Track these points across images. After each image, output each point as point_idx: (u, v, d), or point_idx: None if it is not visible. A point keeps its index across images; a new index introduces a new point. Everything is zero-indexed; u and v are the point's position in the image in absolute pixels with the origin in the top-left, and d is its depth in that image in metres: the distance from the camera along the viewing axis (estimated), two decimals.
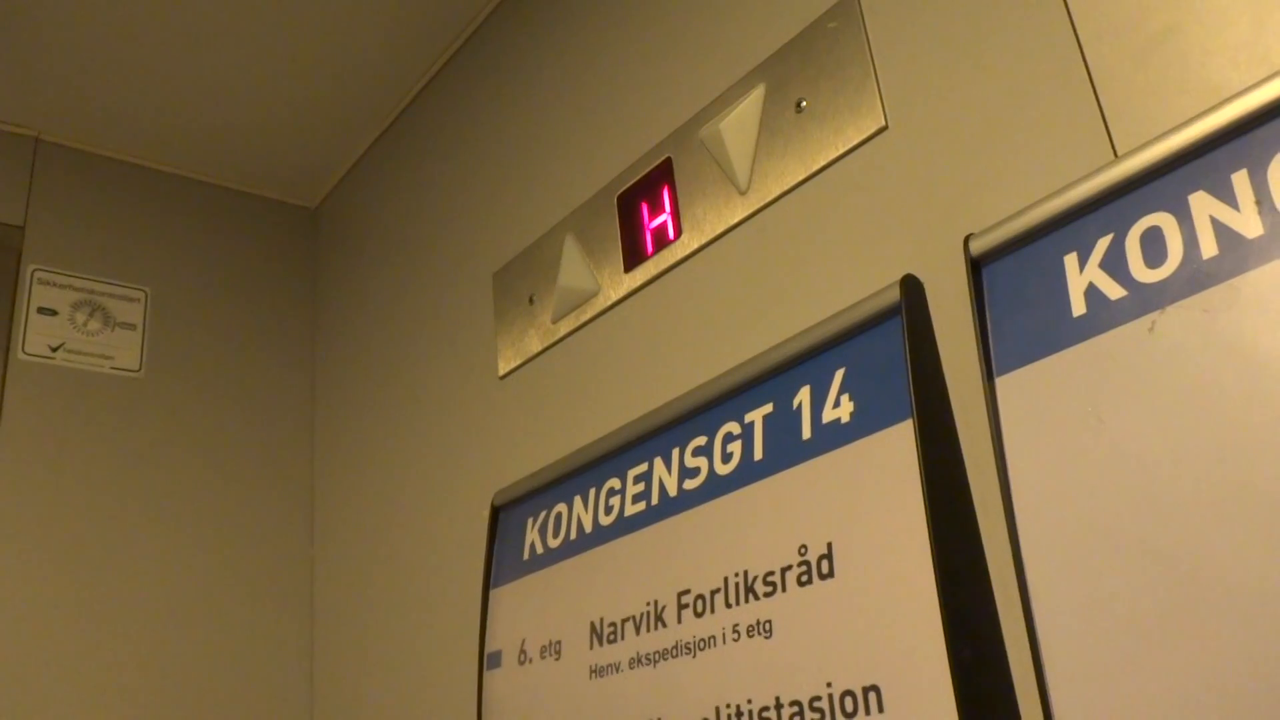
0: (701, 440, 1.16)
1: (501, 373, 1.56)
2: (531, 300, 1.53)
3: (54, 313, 1.83)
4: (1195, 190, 0.80)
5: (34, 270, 1.84)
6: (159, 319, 1.94)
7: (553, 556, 1.30)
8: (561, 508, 1.33)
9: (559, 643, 1.23)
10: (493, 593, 1.39)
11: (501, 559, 1.40)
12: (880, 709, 0.87)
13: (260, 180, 2.18)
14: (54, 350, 1.81)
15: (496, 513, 1.44)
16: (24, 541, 1.67)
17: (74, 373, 1.82)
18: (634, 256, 1.36)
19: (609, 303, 1.39)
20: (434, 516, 1.65)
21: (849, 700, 0.89)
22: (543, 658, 1.25)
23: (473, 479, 1.57)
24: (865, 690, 0.88)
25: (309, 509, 2.00)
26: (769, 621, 0.98)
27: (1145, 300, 0.80)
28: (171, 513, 1.83)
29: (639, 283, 1.34)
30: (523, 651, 1.29)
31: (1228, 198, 0.78)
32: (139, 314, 1.92)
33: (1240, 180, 0.78)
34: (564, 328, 1.46)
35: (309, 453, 2.04)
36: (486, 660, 1.35)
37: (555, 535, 1.32)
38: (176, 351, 1.94)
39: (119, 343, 1.88)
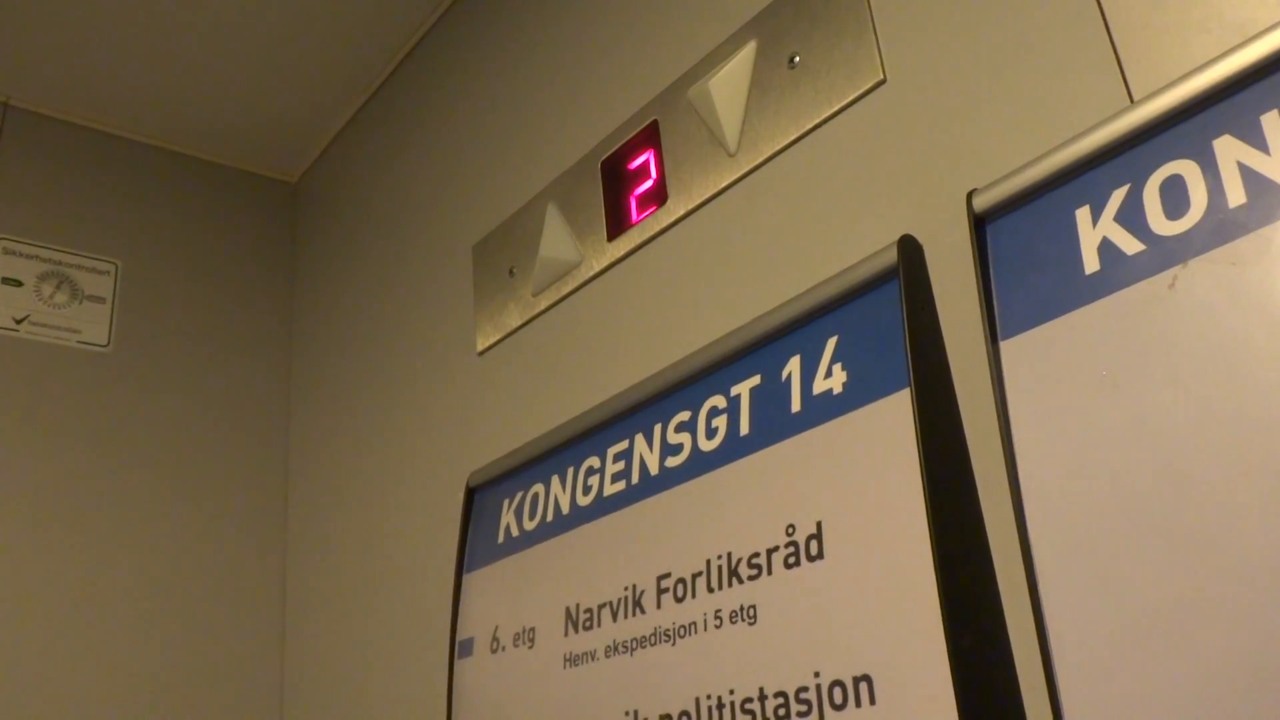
0: (685, 415, 1.09)
1: (480, 349, 1.49)
2: (512, 273, 1.46)
3: (19, 283, 1.76)
4: (1220, 135, 0.73)
5: None
6: (130, 293, 1.87)
7: (529, 539, 1.23)
8: (539, 488, 1.26)
9: (533, 630, 1.16)
10: (466, 578, 1.32)
11: (476, 542, 1.33)
12: (872, 700, 0.80)
13: (240, 154, 2.10)
14: (18, 322, 1.74)
15: (471, 494, 1.37)
16: None
17: (39, 346, 1.75)
18: (617, 225, 1.29)
19: (591, 273, 1.32)
20: (408, 498, 1.58)
21: (838, 691, 0.82)
22: (516, 646, 1.18)
23: (448, 459, 1.50)
24: (856, 680, 0.81)
25: (283, 490, 1.93)
26: (753, 606, 0.91)
27: (1166, 254, 0.73)
28: (140, 493, 1.76)
29: (623, 252, 1.27)
30: (495, 639, 1.22)
31: (1257, 141, 0.71)
32: (108, 287, 1.85)
33: (1271, 122, 0.71)
34: (544, 301, 1.39)
35: (283, 432, 1.97)
36: (458, 648, 1.28)
37: (532, 517, 1.25)
38: (147, 327, 1.87)
39: (87, 316, 1.81)
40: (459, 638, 1.28)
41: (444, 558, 1.42)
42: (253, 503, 1.88)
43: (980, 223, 0.86)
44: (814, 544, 0.88)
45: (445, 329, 1.59)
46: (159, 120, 1.99)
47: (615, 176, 1.31)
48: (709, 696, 0.93)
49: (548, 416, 1.32)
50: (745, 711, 0.89)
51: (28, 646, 1.58)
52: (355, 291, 1.88)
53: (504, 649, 1.20)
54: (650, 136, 1.27)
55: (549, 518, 1.21)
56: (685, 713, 0.94)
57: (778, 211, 1.09)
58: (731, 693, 0.90)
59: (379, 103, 1.94)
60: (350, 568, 1.70)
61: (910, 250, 0.91)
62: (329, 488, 1.82)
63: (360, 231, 1.92)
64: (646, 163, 1.27)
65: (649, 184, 1.26)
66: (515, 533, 1.26)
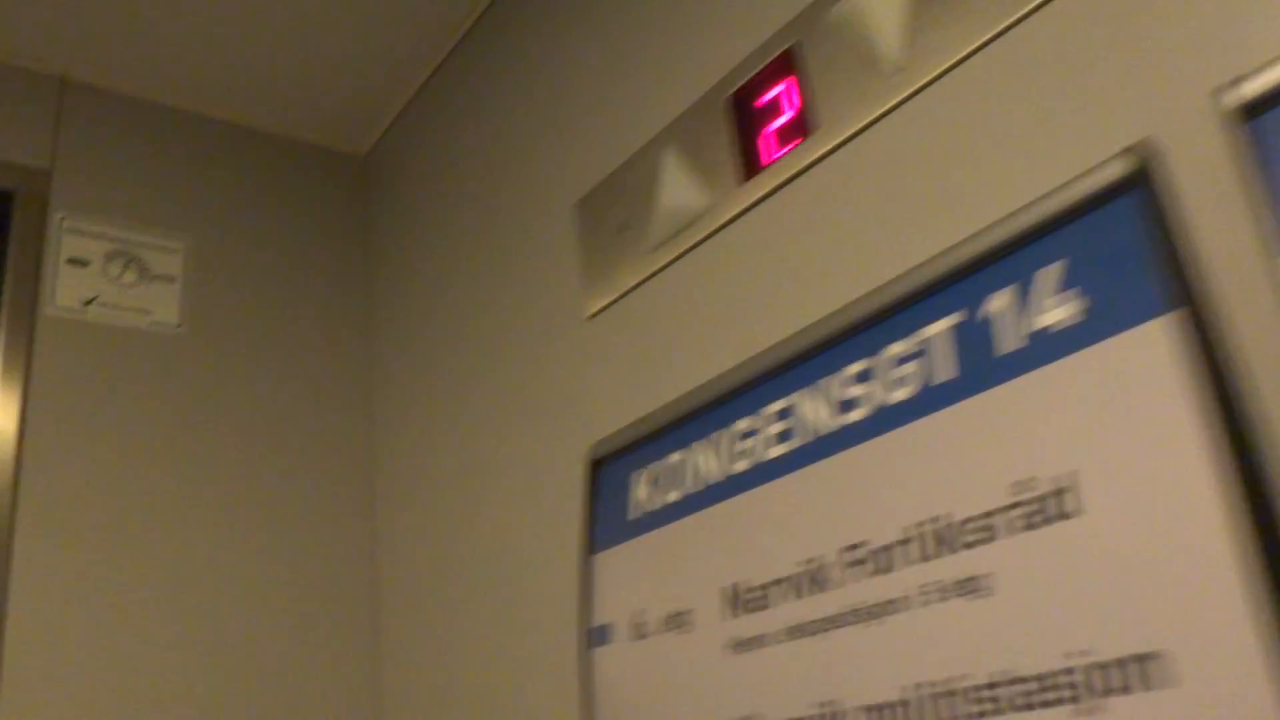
0: (860, 366, 0.96)
1: (590, 313, 1.37)
2: (623, 228, 1.34)
3: (85, 264, 1.66)
4: None
5: (63, 218, 1.66)
6: (199, 272, 1.76)
7: (671, 513, 1.11)
8: (678, 457, 1.13)
9: (688, 613, 1.04)
10: (596, 559, 1.19)
11: (605, 519, 1.20)
12: (1150, 685, 0.67)
13: (303, 125, 1.99)
14: (86, 304, 1.63)
15: (595, 467, 1.25)
16: (55, 514, 1.50)
17: (108, 328, 1.64)
18: (751, 165, 1.16)
19: (720, 222, 1.19)
20: (512, 478, 1.46)
21: (1111, 674, 0.69)
22: (667, 630, 1.06)
23: (559, 433, 1.37)
24: (1133, 660, 0.68)
25: (368, 474, 1.81)
26: (982, 578, 0.78)
27: None
28: (217, 480, 1.65)
29: (759, 194, 1.15)
30: (639, 624, 1.10)
31: None
32: (177, 266, 1.74)
33: None
34: (665, 256, 1.26)
35: (366, 413, 1.86)
36: (591, 635, 1.16)
37: (672, 488, 1.12)
38: (219, 306, 1.76)
39: (156, 296, 1.70)
40: (593, 624, 1.16)
41: (559, 540, 1.30)
42: (337, 487, 1.77)
43: (1248, 115, 0.73)
44: (1063, 500, 0.75)
45: (547, 295, 1.47)
46: (220, 93, 1.88)
47: (746, 112, 1.18)
48: (931, 684, 0.80)
49: (677, 379, 1.20)
50: (977, 700, 0.76)
51: (99, 641, 1.47)
52: (439, 263, 1.77)
53: (651, 635, 1.07)
54: (788, 63, 1.14)
55: (695, 488, 1.09)
56: (898, 703, 0.82)
57: (962, 130, 0.95)
58: (962, 678, 0.78)
59: (458, 60, 1.82)
60: (449, 556, 1.58)
61: (1149, 157, 0.78)
62: (419, 469, 1.70)
63: (441, 200, 1.80)
64: (785, 93, 1.14)
65: (788, 116, 1.13)
66: (653, 507, 1.14)
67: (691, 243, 1.23)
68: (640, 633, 1.09)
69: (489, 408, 1.55)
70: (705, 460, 1.09)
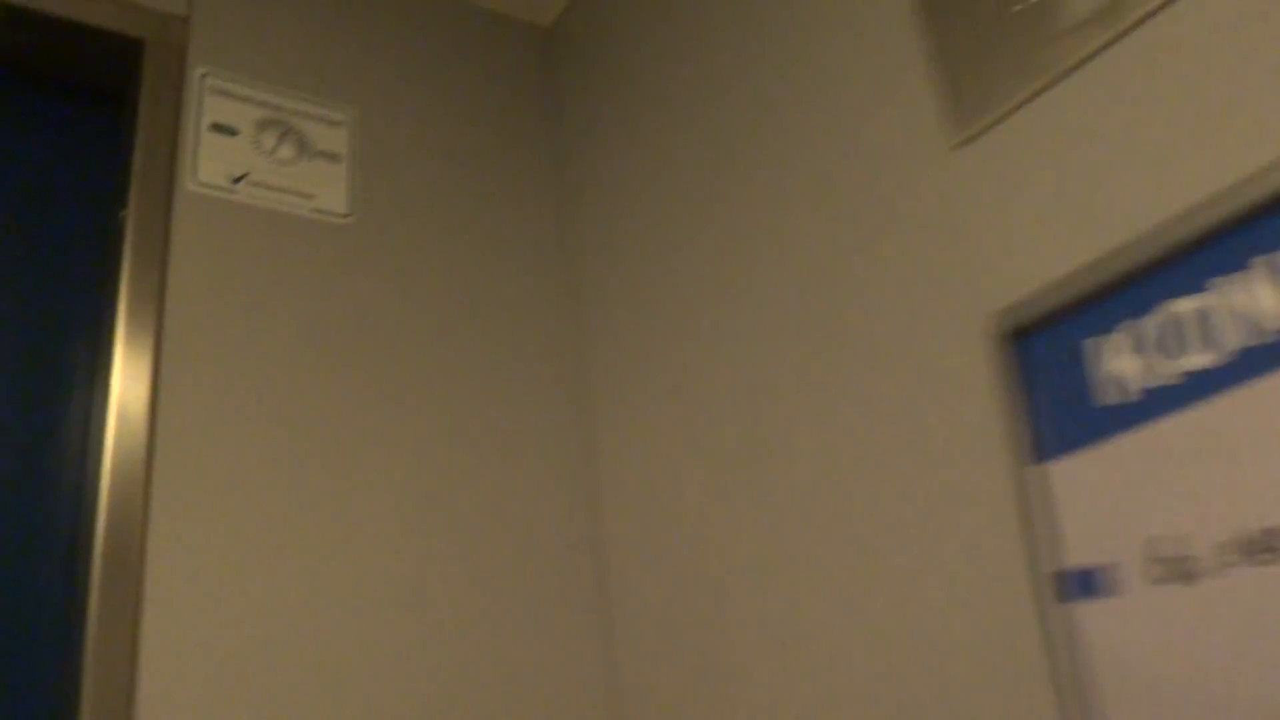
0: None
1: (959, 139, 0.97)
2: (1007, 13, 0.93)
3: (233, 133, 1.30)
4: None
5: (204, 75, 1.31)
6: (368, 150, 1.40)
7: (1204, 385, 0.70)
8: (1189, 304, 0.73)
9: None
10: (1050, 468, 0.79)
11: (1053, 411, 0.80)
12: None
13: None
14: (235, 182, 1.28)
15: (1015, 339, 0.84)
16: (198, 431, 1.14)
17: (262, 213, 1.28)
18: None
19: None
20: (839, 374, 1.06)
21: None
22: (1242, 563, 0.65)
23: (924, 304, 0.98)
24: None
25: (582, 379, 1.43)
26: None
27: None
28: (394, 393, 1.28)
29: None
30: (1174, 560, 0.69)
31: None
32: (342, 142, 1.38)
33: None
34: (1103, 31, 0.86)
35: (574, 307, 1.48)
36: (1065, 584, 0.75)
37: (1194, 350, 0.71)
38: (393, 192, 1.40)
39: (319, 177, 1.34)
40: (1064, 566, 0.75)
41: (939, 447, 0.91)
42: (545, 396, 1.39)
43: None
44: None
45: (875, 126, 1.08)
46: None
47: None
48: None
49: (1143, 203, 0.80)
50: None
51: (261, 581, 1.11)
52: (672, 124, 1.38)
53: (1205, 576, 0.67)
54: None
55: (1254, 340, 0.68)
56: None
57: None
58: None
59: None
60: (711, 475, 1.19)
61: None
62: (658, 365, 1.31)
63: (665, 54, 1.42)
64: None
65: None
66: (1158, 381, 0.73)
67: (1154, 4, 0.82)
68: (1180, 571, 0.68)
69: (789, 284, 1.15)
70: (1266, 298, 0.68)
